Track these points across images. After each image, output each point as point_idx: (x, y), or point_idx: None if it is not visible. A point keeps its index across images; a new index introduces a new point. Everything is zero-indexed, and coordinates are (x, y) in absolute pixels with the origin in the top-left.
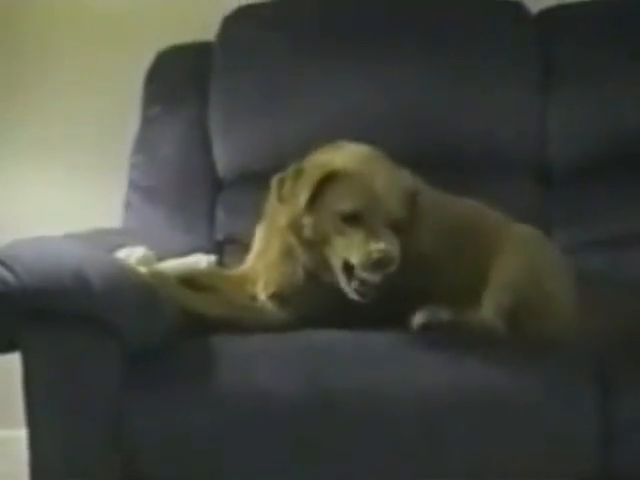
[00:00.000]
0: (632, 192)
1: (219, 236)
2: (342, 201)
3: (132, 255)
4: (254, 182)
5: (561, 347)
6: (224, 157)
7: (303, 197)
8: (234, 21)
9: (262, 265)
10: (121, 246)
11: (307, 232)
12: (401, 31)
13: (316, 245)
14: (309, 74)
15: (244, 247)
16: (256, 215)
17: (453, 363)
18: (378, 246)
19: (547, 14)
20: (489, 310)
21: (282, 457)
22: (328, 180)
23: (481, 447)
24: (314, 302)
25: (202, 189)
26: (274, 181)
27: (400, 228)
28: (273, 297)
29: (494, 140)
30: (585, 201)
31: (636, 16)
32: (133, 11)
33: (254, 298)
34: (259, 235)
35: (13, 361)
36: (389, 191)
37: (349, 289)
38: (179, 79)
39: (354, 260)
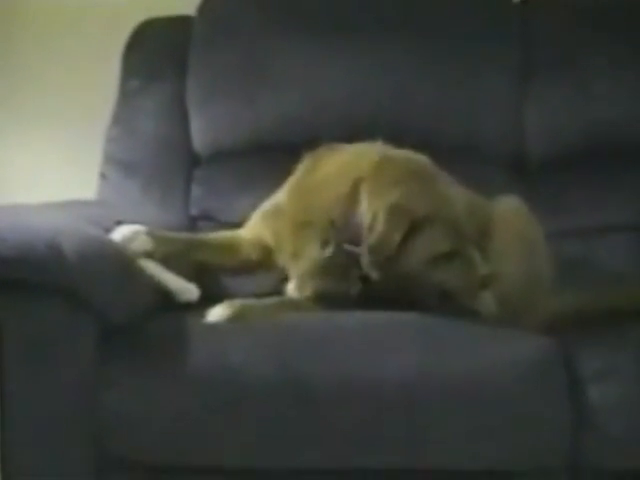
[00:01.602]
0: (607, 183)
1: (194, 211)
2: (438, 244)
3: (132, 239)
4: (230, 159)
5: (536, 328)
6: (201, 132)
7: (395, 239)
8: None
9: (288, 252)
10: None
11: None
12: (383, 17)
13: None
14: (289, 52)
15: (218, 224)
16: (232, 191)
17: (425, 347)
18: (485, 270)
19: (529, 3)
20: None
21: (251, 438)
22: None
23: (452, 432)
24: (351, 303)
25: (178, 164)
26: (306, 158)
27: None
28: (309, 298)
29: (473, 128)
30: (561, 191)
31: (617, 8)
32: None
33: (250, 262)
34: (275, 204)
35: None
36: (464, 215)
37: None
38: (158, 52)
39: (462, 287)
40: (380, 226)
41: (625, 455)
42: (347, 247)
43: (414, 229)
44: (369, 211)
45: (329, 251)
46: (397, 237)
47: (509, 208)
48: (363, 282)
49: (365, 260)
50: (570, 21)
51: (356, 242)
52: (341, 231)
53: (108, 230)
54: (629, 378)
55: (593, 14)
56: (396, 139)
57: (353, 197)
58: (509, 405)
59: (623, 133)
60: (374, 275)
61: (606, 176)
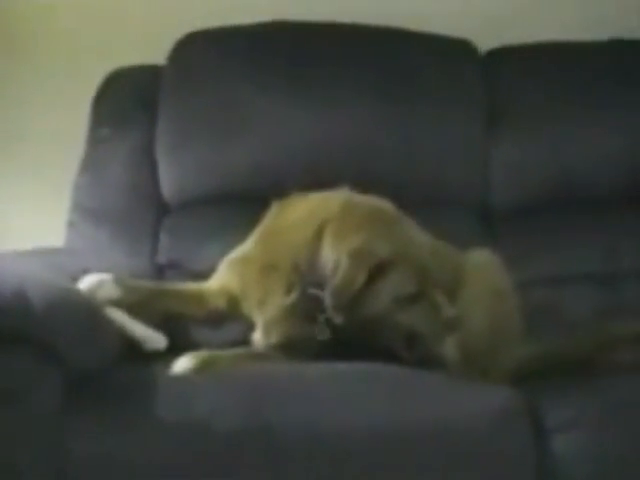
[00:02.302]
0: (571, 233)
1: (161, 260)
2: (402, 286)
3: (99, 287)
4: (199, 207)
5: (501, 378)
6: (170, 181)
7: (357, 282)
8: (185, 45)
9: (254, 299)
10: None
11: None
12: (350, 64)
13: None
14: (258, 101)
15: (186, 272)
16: (200, 240)
17: (392, 397)
18: (451, 314)
19: (495, 54)
20: (450, 346)
21: None
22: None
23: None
24: (318, 350)
25: (147, 212)
26: (274, 206)
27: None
28: (276, 348)
29: (440, 177)
30: (526, 240)
31: (582, 60)
32: (84, 32)
33: (217, 312)
34: (242, 252)
35: None
36: (429, 259)
37: (407, 355)
38: (127, 101)
39: (428, 329)
40: (343, 269)
41: None
42: (311, 291)
43: (378, 272)
44: (332, 255)
45: (294, 296)
46: (360, 280)
47: (481, 259)
48: (330, 328)
49: (329, 304)
50: (536, 72)
51: (321, 286)
52: (306, 275)
53: (75, 278)
54: (594, 428)
55: (559, 66)
56: (363, 187)
57: (317, 241)
58: (475, 455)
59: (588, 183)
60: (338, 319)
61: (571, 225)
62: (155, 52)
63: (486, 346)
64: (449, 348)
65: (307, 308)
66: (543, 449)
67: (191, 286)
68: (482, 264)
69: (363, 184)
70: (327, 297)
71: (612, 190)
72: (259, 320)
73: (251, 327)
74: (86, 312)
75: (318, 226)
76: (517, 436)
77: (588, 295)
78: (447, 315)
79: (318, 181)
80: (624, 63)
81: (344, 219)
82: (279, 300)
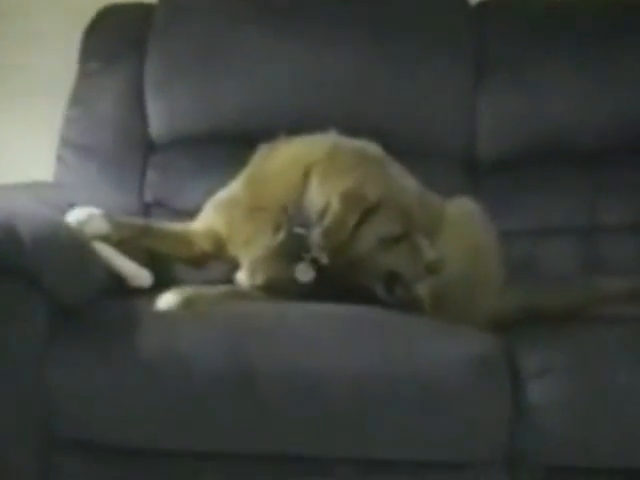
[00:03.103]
0: (556, 185)
1: (148, 197)
2: (388, 228)
3: (88, 222)
4: (186, 146)
5: (479, 326)
6: (158, 118)
7: (349, 224)
8: None
9: (241, 240)
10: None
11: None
12: (342, 10)
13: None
14: (247, 40)
15: (172, 211)
16: (187, 178)
17: (372, 340)
18: (432, 256)
19: (485, 6)
20: (423, 288)
21: (197, 423)
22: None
23: (397, 424)
24: (301, 292)
25: (135, 149)
26: (261, 149)
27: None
28: (261, 288)
29: (426, 127)
30: (510, 192)
31: (570, 13)
32: None
33: (202, 253)
34: (229, 194)
35: None
36: (415, 203)
37: (386, 296)
38: (118, 37)
39: (409, 270)
40: (334, 211)
41: (561, 451)
42: (298, 230)
43: (366, 214)
44: (321, 196)
45: (280, 236)
46: (351, 222)
47: (462, 207)
48: (314, 268)
49: (315, 243)
50: (524, 24)
51: (307, 226)
52: (293, 216)
53: (64, 212)
54: (569, 376)
55: (547, 18)
56: (350, 132)
57: (305, 183)
58: (453, 399)
59: (573, 135)
60: (323, 258)
61: (555, 178)
62: None
63: (462, 292)
64: (423, 292)
65: (293, 248)
66: (518, 395)
67: (178, 226)
68: (463, 212)
69: (350, 129)
70: (314, 237)
71: (597, 143)
72: (244, 261)
73: (235, 268)
74: (74, 246)
75: (305, 168)
76: (494, 381)
77: (569, 248)
78: (428, 258)
79: (305, 124)
80: (612, 16)
81: (332, 161)
82: (266, 241)
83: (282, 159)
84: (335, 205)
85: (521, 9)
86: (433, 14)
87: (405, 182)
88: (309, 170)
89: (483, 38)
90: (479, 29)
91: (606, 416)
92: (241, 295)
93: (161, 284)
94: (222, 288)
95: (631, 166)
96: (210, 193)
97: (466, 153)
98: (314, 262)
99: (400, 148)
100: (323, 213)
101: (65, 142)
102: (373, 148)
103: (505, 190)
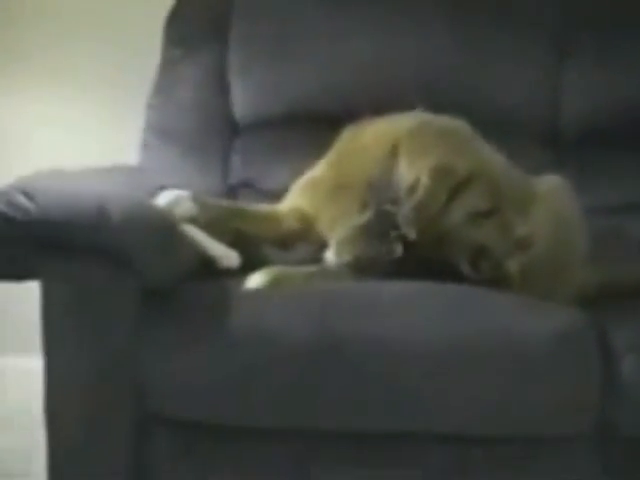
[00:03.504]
0: (639, 161)
1: (233, 180)
2: (479, 201)
3: (177, 204)
4: (270, 127)
5: (568, 301)
6: (241, 101)
7: (440, 198)
8: None
9: (328, 219)
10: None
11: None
12: None
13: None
14: (327, 20)
15: (257, 192)
16: (271, 160)
17: (458, 316)
18: (523, 231)
19: None
20: (513, 264)
21: (288, 400)
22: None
23: (484, 399)
24: (388, 269)
25: (219, 132)
26: (347, 130)
27: None
28: (348, 267)
29: (509, 102)
30: (593, 166)
31: None
32: None
33: (289, 233)
34: (315, 174)
35: (34, 289)
36: (504, 178)
37: (470, 270)
38: (199, 22)
39: (498, 246)
40: (424, 187)
41: None
42: (386, 207)
43: (456, 188)
44: (410, 171)
45: (368, 214)
46: (441, 198)
47: (551, 184)
48: (402, 245)
49: (404, 220)
50: None
51: (395, 203)
52: (379, 193)
53: (151, 195)
54: None
55: None
56: (432, 110)
57: (392, 158)
58: (542, 375)
59: None
60: (412, 234)
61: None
62: None
63: (553, 269)
64: (515, 268)
65: (380, 225)
66: (610, 370)
67: (264, 207)
68: (552, 189)
69: (432, 106)
70: (402, 213)
71: None
72: (332, 240)
73: (323, 248)
74: (163, 228)
75: (392, 144)
76: (583, 356)
77: None
78: (519, 233)
79: (387, 103)
80: None
81: (419, 136)
82: (353, 219)
83: (368, 137)
84: (425, 180)
85: None
86: None
87: (493, 157)
88: (397, 146)
89: (567, 9)
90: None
91: None
92: (329, 274)
93: (249, 265)
94: (310, 268)
95: None
96: (294, 174)
97: (550, 128)
98: (402, 239)
99: (483, 124)
100: (413, 188)
101: (149, 127)
102: (460, 124)
103: (589, 166)
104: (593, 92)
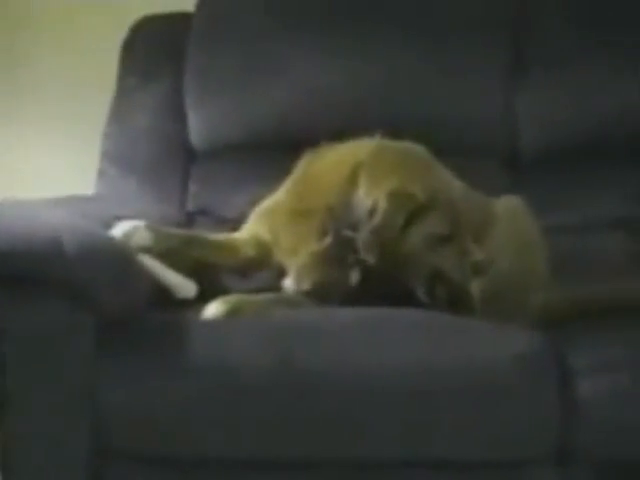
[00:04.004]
0: (599, 178)
1: (191, 208)
2: (437, 226)
3: (132, 234)
4: (227, 155)
5: (527, 324)
6: (198, 128)
7: (397, 222)
8: None
9: (286, 246)
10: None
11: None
12: (375, 15)
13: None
14: (286, 48)
15: (215, 219)
16: (228, 187)
17: (420, 341)
18: (479, 257)
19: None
20: (474, 287)
21: (251, 430)
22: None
23: (447, 424)
24: (346, 296)
25: (176, 160)
26: (306, 156)
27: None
28: (307, 294)
29: (464, 123)
30: (552, 186)
31: (608, 2)
32: None
33: (248, 260)
34: (273, 201)
35: None
36: (464, 205)
37: (425, 296)
38: (156, 49)
39: (455, 272)
40: (382, 211)
41: (613, 447)
42: (345, 233)
43: (414, 213)
44: (369, 196)
45: (327, 240)
46: (400, 221)
47: (509, 206)
48: (361, 271)
49: (362, 244)
50: (565, 12)
51: (354, 228)
52: (340, 218)
53: (107, 225)
54: (620, 372)
55: (584, 8)
56: (390, 133)
57: (352, 184)
58: (502, 398)
59: (617, 126)
60: (371, 259)
61: (597, 171)
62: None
63: (513, 291)
64: (475, 292)
65: (339, 251)
66: (568, 392)
67: (222, 235)
68: (511, 211)
69: (391, 132)
70: (362, 237)
71: None
72: (291, 267)
73: (281, 275)
74: (119, 258)
75: (352, 169)
76: (542, 379)
77: (615, 242)
78: (476, 259)
79: (346, 128)
80: None
81: (378, 162)
82: (312, 246)
83: (327, 163)
84: (383, 204)
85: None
86: (469, 8)
87: (452, 182)
88: (356, 171)
89: (521, 31)
90: (517, 18)
91: None
92: (287, 302)
93: (208, 294)
94: (268, 295)
95: None
96: (253, 201)
97: (508, 150)
98: (361, 264)
99: (441, 148)
100: (372, 212)
101: (105, 156)
102: (419, 149)
103: (548, 185)
104: (549, 113)
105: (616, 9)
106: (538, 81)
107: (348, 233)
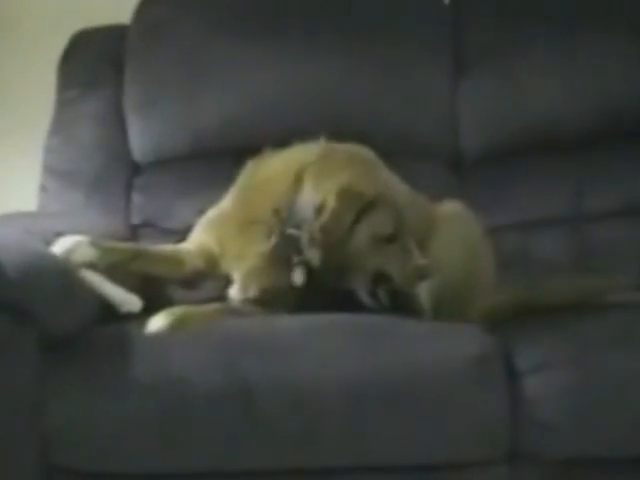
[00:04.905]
0: (542, 177)
1: (135, 219)
2: (382, 226)
3: (74, 250)
4: (170, 165)
5: (475, 325)
6: (140, 140)
7: (346, 220)
8: (149, 3)
9: (233, 255)
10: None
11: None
12: (317, 16)
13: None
14: (225, 56)
15: (160, 231)
16: (173, 198)
17: (365, 347)
18: (422, 262)
19: (460, 1)
20: (422, 294)
21: (197, 444)
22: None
23: (393, 429)
24: (293, 302)
25: (119, 172)
26: (250, 163)
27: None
28: (252, 301)
29: (407, 125)
30: (496, 186)
31: (547, 2)
32: None
33: (194, 272)
34: (218, 210)
35: None
36: (408, 208)
37: (368, 298)
38: (94, 61)
39: (398, 274)
40: (331, 208)
41: (562, 445)
42: (290, 231)
43: (362, 211)
44: (316, 195)
45: (273, 240)
46: (349, 218)
47: (452, 210)
48: (306, 273)
49: (308, 242)
50: (502, 16)
51: (298, 227)
52: (285, 219)
53: (49, 242)
54: (566, 371)
55: (523, 8)
56: (334, 138)
57: (297, 185)
58: (449, 400)
59: (557, 126)
60: (315, 259)
61: (541, 169)
62: (121, 12)
63: (459, 294)
64: (423, 295)
65: (284, 250)
66: (516, 391)
67: (168, 247)
68: (453, 214)
69: (335, 136)
70: (308, 234)
71: (580, 135)
72: (237, 275)
73: (228, 285)
74: (61, 275)
75: (297, 171)
76: (490, 379)
77: (559, 239)
78: (418, 263)
79: (289, 134)
80: (593, 3)
81: (325, 161)
82: (258, 250)
83: (272, 168)
84: (332, 202)
85: (497, 1)
86: (408, 13)
87: (396, 185)
88: (301, 173)
89: (460, 33)
90: (455, 25)
91: (605, 407)
92: (232, 311)
93: (155, 307)
94: (212, 306)
95: (615, 153)
96: (198, 212)
97: (450, 150)
98: (305, 264)
99: (384, 150)
100: (320, 210)
101: (47, 170)
102: (365, 151)
103: (491, 185)
104: (489, 113)
105: (555, 10)
106: (477, 81)
107: (293, 232)
